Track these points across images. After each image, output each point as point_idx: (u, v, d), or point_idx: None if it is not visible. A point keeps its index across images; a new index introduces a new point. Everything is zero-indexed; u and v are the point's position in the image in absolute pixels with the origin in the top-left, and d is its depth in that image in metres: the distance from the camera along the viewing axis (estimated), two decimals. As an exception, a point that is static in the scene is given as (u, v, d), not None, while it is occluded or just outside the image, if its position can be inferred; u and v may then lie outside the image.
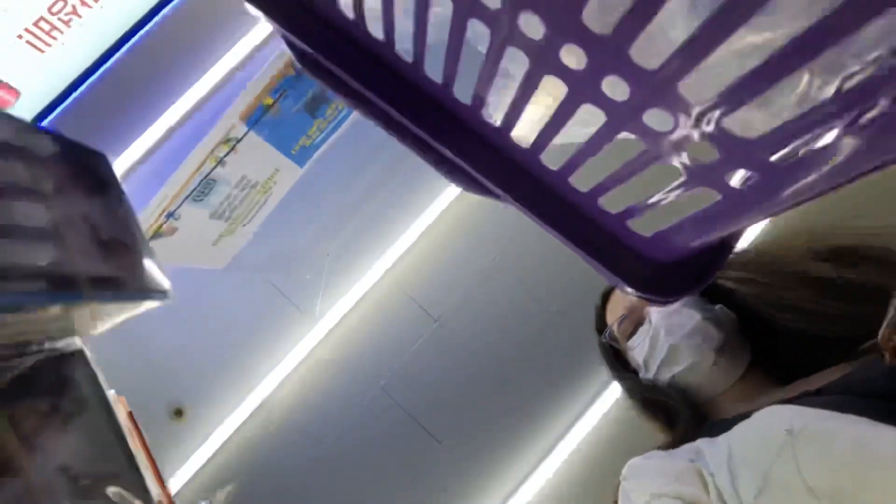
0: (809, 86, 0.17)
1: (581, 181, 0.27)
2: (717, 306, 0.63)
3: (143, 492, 0.14)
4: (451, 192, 1.30)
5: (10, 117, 0.12)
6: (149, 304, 0.14)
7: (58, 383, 0.13)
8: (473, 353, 1.29)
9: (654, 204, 0.24)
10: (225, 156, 0.61)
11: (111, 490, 0.13)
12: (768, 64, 0.13)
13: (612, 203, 0.27)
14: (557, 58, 0.18)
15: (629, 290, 0.29)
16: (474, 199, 1.36)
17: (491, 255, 1.32)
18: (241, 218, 0.74)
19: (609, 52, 0.17)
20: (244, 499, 1.21)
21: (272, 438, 1.25)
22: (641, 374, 0.66)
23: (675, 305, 0.62)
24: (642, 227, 0.27)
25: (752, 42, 0.20)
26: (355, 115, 0.78)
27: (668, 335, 0.60)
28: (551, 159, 0.27)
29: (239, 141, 0.61)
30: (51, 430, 0.12)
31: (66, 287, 0.11)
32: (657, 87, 0.16)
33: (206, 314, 1.27)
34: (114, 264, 0.13)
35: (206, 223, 0.69)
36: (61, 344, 0.14)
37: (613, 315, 0.71)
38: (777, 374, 0.60)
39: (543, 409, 1.27)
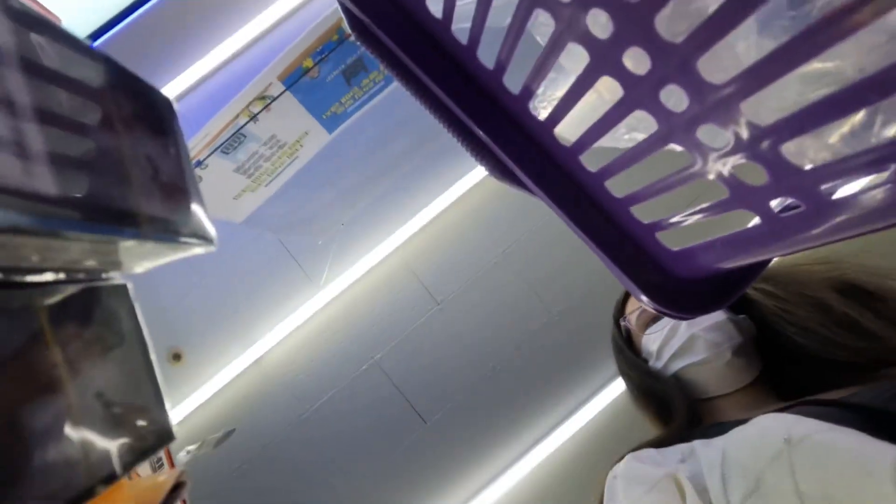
0: (872, 123, 0.17)
1: (616, 187, 0.27)
2: (742, 316, 0.63)
3: (166, 428, 0.15)
4: (469, 179, 1.30)
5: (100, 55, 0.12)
6: (196, 250, 0.15)
7: (102, 314, 0.13)
8: (470, 341, 1.30)
9: (688, 219, 0.24)
10: (258, 112, 0.61)
11: (139, 423, 0.14)
12: (841, 96, 0.13)
13: (644, 213, 0.27)
14: (620, 60, 0.18)
15: (645, 299, 0.29)
16: (491, 189, 1.35)
17: (501, 248, 1.32)
18: (264, 176, 0.75)
19: (675, 61, 0.16)
20: (230, 449, 1.24)
21: (264, 394, 1.27)
22: (651, 363, 0.66)
23: None
24: (670, 240, 0.27)
25: (817, 68, 0.19)
26: (389, 90, 0.78)
27: (690, 325, 0.61)
28: (589, 161, 0.27)
29: (274, 99, 0.61)
30: (92, 357, 0.13)
31: (129, 223, 0.12)
32: (718, 103, 0.16)
33: (215, 264, 1.29)
34: (170, 206, 0.13)
35: (231, 176, 0.69)
36: (108, 277, 0.14)
37: (634, 305, 0.71)
38: (782, 393, 0.60)
39: (531, 407, 1.29)
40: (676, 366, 0.62)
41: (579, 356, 1.30)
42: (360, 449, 1.28)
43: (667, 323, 0.63)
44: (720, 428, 0.52)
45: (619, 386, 1.26)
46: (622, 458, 0.57)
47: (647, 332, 0.66)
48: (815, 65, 0.19)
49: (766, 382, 0.61)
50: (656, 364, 0.65)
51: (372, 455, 1.27)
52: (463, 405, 1.29)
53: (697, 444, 0.52)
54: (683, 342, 0.61)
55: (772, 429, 0.45)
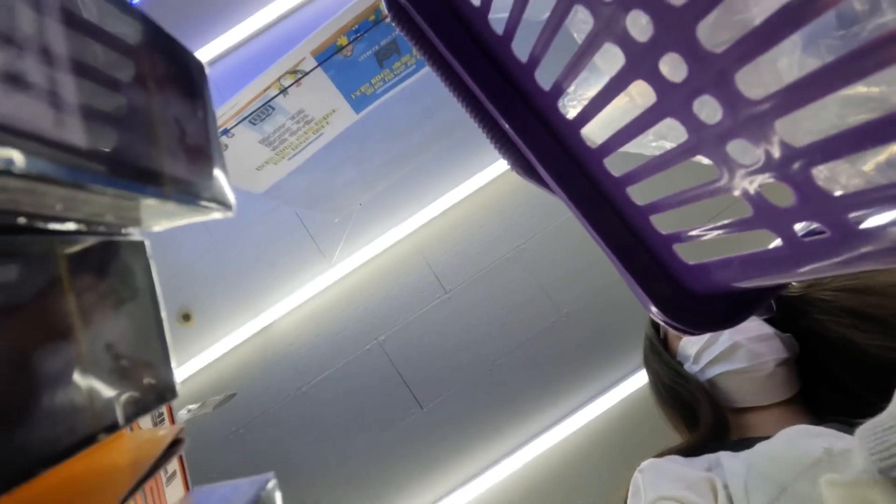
0: (911, 154, 0.17)
1: (637, 193, 0.27)
2: (787, 334, 0.62)
3: (169, 386, 0.15)
4: (490, 171, 1.30)
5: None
6: (215, 215, 0.15)
7: (118, 268, 0.13)
8: (475, 333, 1.31)
9: (707, 234, 0.23)
10: (289, 86, 0.61)
11: (145, 377, 0.14)
12: (882, 123, 0.13)
13: (663, 223, 0.27)
14: (656, 65, 0.18)
15: (654, 310, 0.29)
16: (511, 183, 1.34)
17: (516, 244, 1.32)
18: (288, 150, 0.75)
19: (713, 72, 0.16)
20: (229, 412, 1.27)
21: (267, 363, 1.30)
22: (686, 366, 0.66)
23: None
24: (687, 253, 0.27)
25: (861, 92, 0.19)
26: (419, 75, 0.77)
27: (734, 332, 0.60)
28: (612, 165, 0.27)
29: (305, 74, 0.61)
30: (105, 309, 0.13)
31: (152, 182, 0.12)
32: (753, 119, 0.16)
33: (231, 231, 1.31)
34: (193, 170, 0.13)
35: (255, 147, 0.70)
36: (127, 232, 0.14)
37: None
38: (815, 419, 0.59)
39: (528, 405, 1.29)
40: (714, 371, 0.61)
41: (582, 360, 1.29)
42: (355, 426, 1.29)
43: None
44: (747, 443, 0.52)
45: (617, 393, 1.26)
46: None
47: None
48: (859, 88, 0.19)
49: (801, 403, 0.60)
50: (692, 368, 0.64)
51: (366, 433, 1.29)
52: (460, 395, 1.29)
53: (723, 455, 0.52)
54: (725, 349, 0.60)
55: (803, 441, 0.45)
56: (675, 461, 0.55)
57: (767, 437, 0.50)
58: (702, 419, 0.61)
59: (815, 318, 0.59)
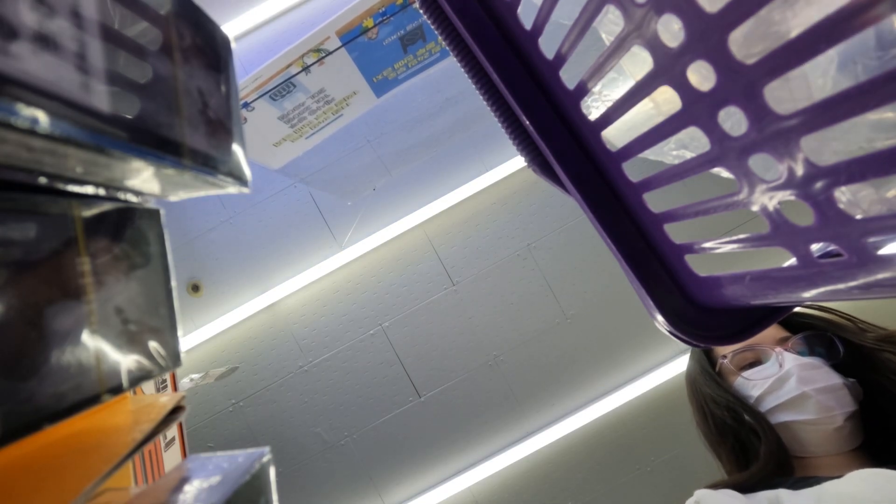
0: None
1: (653, 201, 0.26)
2: (852, 380, 0.61)
3: (174, 354, 0.15)
4: (507, 167, 1.29)
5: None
6: (230, 189, 0.15)
7: (133, 234, 0.14)
8: (479, 327, 1.31)
9: (721, 247, 0.23)
10: (311, 64, 0.61)
11: (151, 343, 0.14)
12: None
13: (676, 232, 0.26)
14: (684, 72, 0.18)
15: (660, 319, 0.29)
16: (526, 181, 1.33)
17: (526, 241, 1.32)
18: (306, 129, 0.75)
19: (742, 83, 0.16)
20: (230, 384, 1.29)
21: (271, 339, 1.31)
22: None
23: (812, 359, 0.61)
24: (698, 264, 0.26)
25: (892, 117, 0.18)
26: (443, 64, 0.77)
27: (801, 383, 0.59)
28: (631, 170, 0.27)
29: (329, 54, 0.61)
30: (117, 273, 0.13)
31: (171, 152, 0.12)
32: (779, 134, 0.16)
33: (245, 206, 1.32)
34: (213, 143, 0.13)
35: (274, 123, 0.70)
36: (143, 200, 0.14)
37: (731, 346, 0.70)
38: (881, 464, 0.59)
39: (526, 403, 1.29)
40: (780, 418, 0.61)
41: (583, 363, 1.29)
42: (352, 408, 1.31)
43: (772, 371, 0.62)
44: (808, 482, 0.52)
45: (615, 400, 1.26)
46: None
47: (744, 375, 0.65)
48: (890, 113, 0.18)
49: (865, 450, 0.60)
50: (757, 409, 0.64)
51: (362, 416, 1.31)
52: (459, 387, 1.30)
53: (783, 492, 0.51)
54: (792, 397, 0.60)
55: (885, 484, 0.45)
56: (733, 497, 0.55)
57: (833, 478, 0.50)
58: (763, 458, 0.60)
59: (890, 378, 0.58)
